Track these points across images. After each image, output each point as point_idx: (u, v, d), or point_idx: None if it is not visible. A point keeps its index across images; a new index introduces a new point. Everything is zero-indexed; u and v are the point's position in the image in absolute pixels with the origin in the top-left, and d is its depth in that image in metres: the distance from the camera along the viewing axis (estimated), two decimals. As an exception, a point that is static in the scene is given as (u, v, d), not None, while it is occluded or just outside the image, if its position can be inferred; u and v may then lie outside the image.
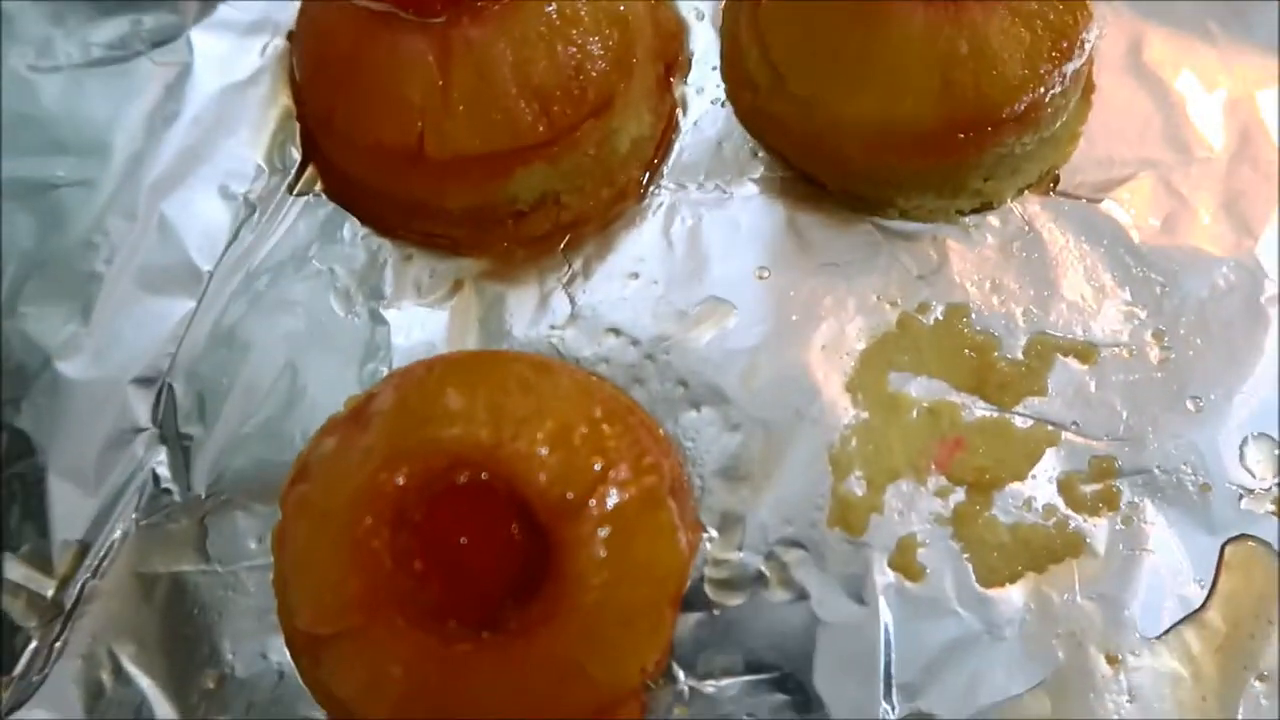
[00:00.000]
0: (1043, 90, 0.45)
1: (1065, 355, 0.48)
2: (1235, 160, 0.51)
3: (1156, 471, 0.46)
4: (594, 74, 0.45)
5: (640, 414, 0.44)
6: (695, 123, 0.51)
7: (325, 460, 0.41)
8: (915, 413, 0.47)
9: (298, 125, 0.50)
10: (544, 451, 0.39)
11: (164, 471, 0.45)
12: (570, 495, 0.39)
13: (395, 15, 0.43)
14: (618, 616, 0.39)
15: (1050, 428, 0.47)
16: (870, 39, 0.44)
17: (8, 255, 0.48)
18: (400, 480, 0.38)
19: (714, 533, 0.45)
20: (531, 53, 0.44)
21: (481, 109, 0.44)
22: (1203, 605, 0.44)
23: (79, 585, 0.44)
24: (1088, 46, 0.46)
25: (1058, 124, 0.48)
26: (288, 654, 0.43)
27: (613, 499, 0.40)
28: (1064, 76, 0.45)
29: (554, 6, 0.44)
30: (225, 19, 0.52)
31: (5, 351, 0.46)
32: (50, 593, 0.43)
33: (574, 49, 0.45)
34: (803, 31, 0.47)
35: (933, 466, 0.46)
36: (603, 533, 0.39)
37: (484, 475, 0.38)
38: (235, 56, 0.51)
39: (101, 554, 0.44)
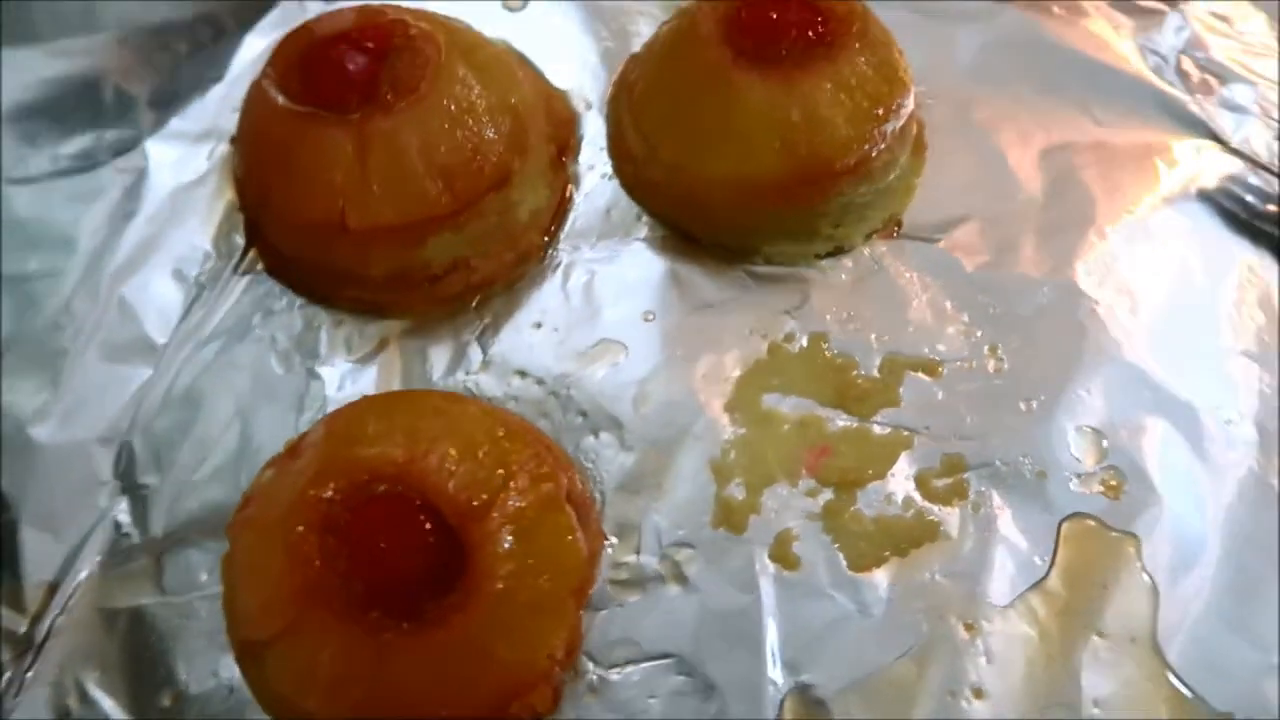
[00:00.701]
0: (868, 147, 0.54)
1: (915, 371, 0.55)
2: (1049, 201, 0.60)
3: (999, 464, 0.53)
4: (491, 154, 0.53)
5: (542, 436, 0.51)
6: (586, 194, 0.60)
7: (264, 486, 0.47)
8: (786, 426, 0.53)
9: (241, 215, 0.58)
10: (451, 465, 0.45)
11: (124, 518, 0.51)
12: (475, 501, 0.45)
13: (317, 113, 0.52)
14: (524, 605, 0.45)
15: (905, 433, 0.53)
16: (719, 110, 0.53)
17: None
18: (327, 494, 0.44)
19: (614, 540, 0.51)
20: (435, 138, 0.52)
21: (394, 186, 0.52)
22: (1045, 575, 0.50)
23: (49, 621, 0.49)
24: (904, 112, 0.55)
25: (891, 176, 0.56)
26: (236, 670, 0.47)
27: (514, 502, 0.46)
28: (885, 135, 0.54)
29: (452, 101, 0.53)
30: (177, 130, 0.60)
31: (-17, 421, 0.53)
32: (23, 629, 0.48)
33: (471, 134, 0.53)
34: (667, 108, 0.56)
35: (803, 471, 0.52)
36: (506, 531, 0.45)
37: (400, 487, 0.45)
38: (186, 161, 0.60)
39: (69, 592, 0.49)
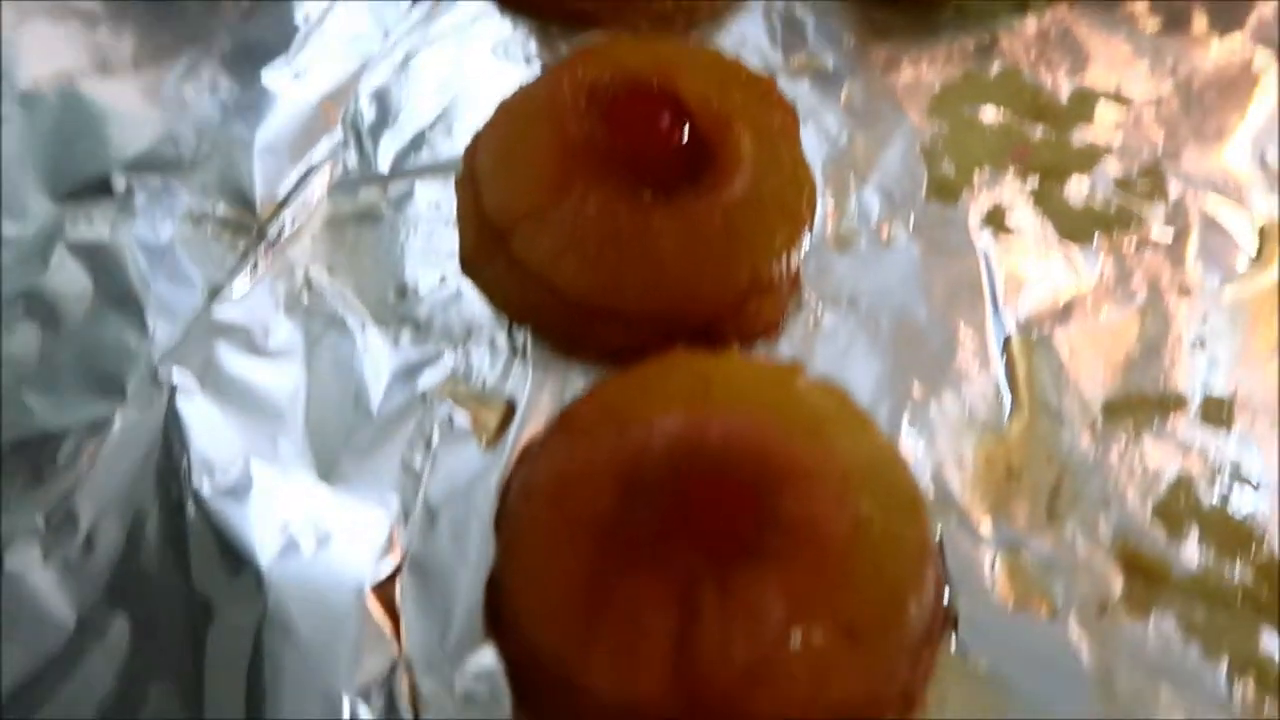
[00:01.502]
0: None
1: (1106, 99, 0.58)
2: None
3: (1196, 175, 0.55)
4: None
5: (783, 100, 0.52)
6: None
7: (526, 89, 0.49)
8: (989, 129, 0.55)
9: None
10: (708, 83, 0.48)
11: (352, 161, 0.52)
12: (725, 110, 0.47)
13: None
14: (767, 198, 0.46)
15: (1101, 145, 0.56)
16: None
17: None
18: (594, 77, 0.46)
19: (832, 203, 0.52)
20: None
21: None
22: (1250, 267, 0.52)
23: (277, 226, 0.49)
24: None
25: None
26: (464, 280, 0.48)
27: (760, 119, 0.48)
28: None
29: None
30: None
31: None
32: (254, 229, 0.49)
33: None
34: None
35: (1010, 161, 0.54)
36: (750, 136, 0.47)
37: (662, 84, 0.47)
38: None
39: (297, 207, 0.50)
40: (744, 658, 0.32)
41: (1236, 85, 0.59)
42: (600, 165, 0.44)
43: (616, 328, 0.45)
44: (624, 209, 0.44)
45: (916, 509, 0.38)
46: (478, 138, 0.50)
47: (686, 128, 0.46)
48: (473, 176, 0.48)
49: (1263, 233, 0.52)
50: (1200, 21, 0.61)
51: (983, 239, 0.51)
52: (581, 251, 0.44)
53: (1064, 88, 0.58)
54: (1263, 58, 0.60)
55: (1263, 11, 0.61)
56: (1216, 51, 0.60)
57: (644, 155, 0.45)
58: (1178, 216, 0.53)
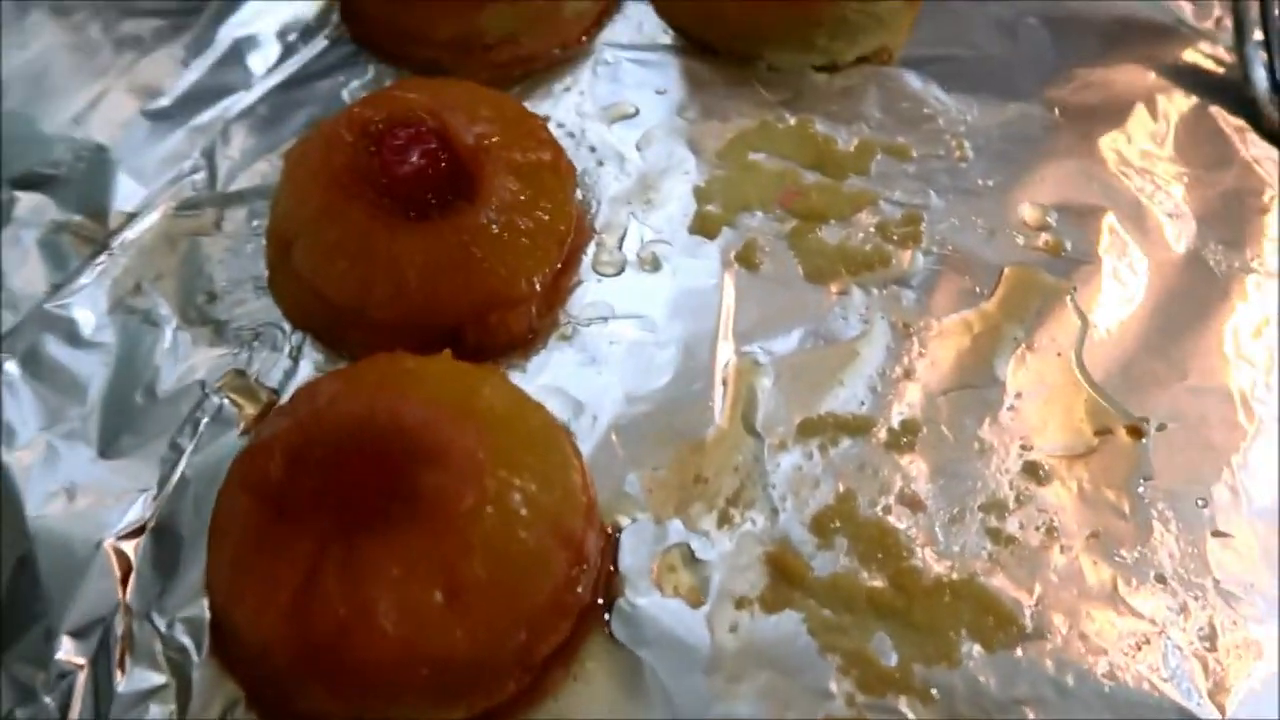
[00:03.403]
0: (864, -38, 0.64)
1: (887, 152, 0.62)
2: (1023, 45, 0.68)
3: (954, 221, 0.59)
4: (544, -48, 0.65)
5: (549, 135, 0.59)
6: (624, 14, 0.70)
7: (322, 123, 0.56)
8: (766, 173, 0.61)
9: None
10: (473, 116, 0.54)
11: (200, 178, 0.61)
12: (486, 141, 0.53)
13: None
14: (512, 228, 0.52)
15: (872, 192, 0.60)
16: (736, -78, 0.64)
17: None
18: (369, 113, 0.53)
19: (603, 236, 0.58)
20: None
21: (462, -50, 0.63)
22: (984, 301, 0.56)
23: (121, 237, 0.58)
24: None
25: (882, 3, 0.65)
26: (266, 282, 0.56)
27: (518, 153, 0.54)
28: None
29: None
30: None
31: None
32: (100, 238, 0.58)
33: (532, -73, 0.65)
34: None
35: (776, 205, 0.59)
36: (507, 169, 0.53)
37: (428, 119, 0.53)
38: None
39: (143, 221, 0.58)
40: (344, 610, 0.38)
41: (1025, 141, 0.63)
42: (361, 188, 0.51)
43: (372, 332, 0.52)
44: (378, 228, 0.51)
45: (560, 495, 0.44)
46: (286, 157, 0.57)
47: (444, 159, 0.53)
48: (275, 195, 0.56)
49: (1002, 276, 0.57)
50: (997, 83, 0.66)
51: (730, 272, 0.56)
52: (341, 264, 0.52)
53: (850, 140, 0.63)
54: (1046, 119, 0.64)
55: (1058, 88, 0.66)
56: (1011, 112, 0.64)
57: (399, 182, 0.52)
58: (925, 260, 0.57)
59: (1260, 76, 0.65)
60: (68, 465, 0.49)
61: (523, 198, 0.53)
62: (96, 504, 0.48)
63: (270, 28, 0.69)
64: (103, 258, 0.57)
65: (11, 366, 0.53)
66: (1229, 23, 0.69)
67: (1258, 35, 0.67)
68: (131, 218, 0.59)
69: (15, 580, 0.46)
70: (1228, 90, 0.66)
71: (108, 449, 0.50)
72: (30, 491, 0.48)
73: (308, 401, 0.45)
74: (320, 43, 0.68)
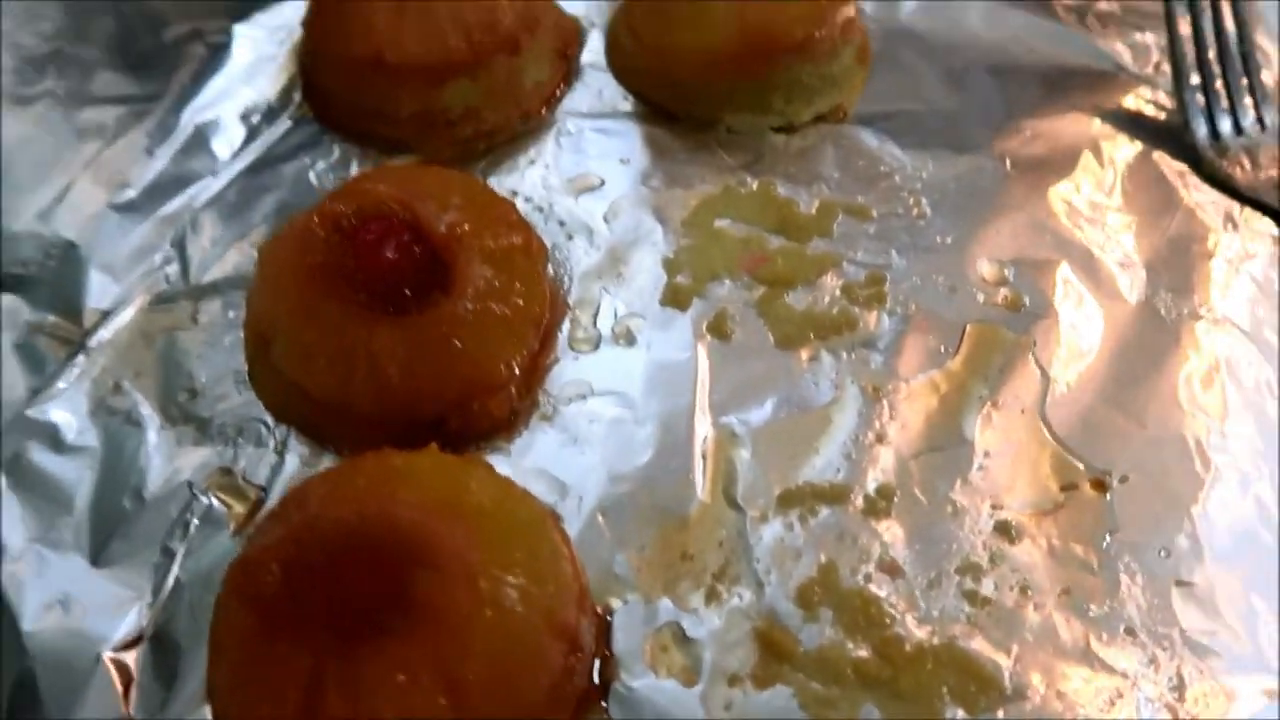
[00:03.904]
0: (811, 30, 0.65)
1: (848, 213, 0.64)
2: (974, 101, 0.70)
3: (916, 279, 0.61)
4: (504, 22, 0.66)
5: (519, 218, 0.60)
6: (584, 82, 0.71)
7: (293, 220, 0.57)
8: (732, 240, 0.63)
9: (300, 80, 0.71)
10: (444, 206, 0.55)
11: (173, 270, 0.61)
12: (459, 230, 0.55)
13: (365, -25, 0.65)
14: (488, 316, 0.54)
15: (835, 254, 0.62)
16: (691, -1, 0.66)
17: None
18: (341, 207, 0.54)
19: (576, 312, 0.59)
20: (460, 2, 0.65)
21: (424, 32, 0.64)
22: (948, 361, 0.58)
23: (98, 336, 0.58)
24: (842, 11, 0.67)
25: (834, 66, 0.67)
26: (247, 379, 0.56)
27: (491, 240, 0.55)
28: (825, 24, 0.65)
29: (476, -24, 0.66)
30: (260, 22, 0.74)
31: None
32: (76, 338, 0.58)
33: (490, 4, 0.66)
34: (651, 2, 0.68)
35: (743, 272, 0.61)
36: (481, 257, 0.55)
37: (400, 211, 0.54)
38: (262, 42, 0.73)
39: (118, 318, 0.59)
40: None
41: (979, 195, 0.65)
42: (337, 285, 0.52)
43: (355, 424, 0.53)
44: (356, 324, 0.52)
45: (553, 586, 0.45)
46: (260, 253, 0.58)
47: (418, 251, 0.54)
48: (251, 291, 0.57)
49: (964, 334, 0.59)
50: (948, 136, 0.68)
51: (703, 344, 0.58)
52: (321, 361, 0.53)
53: (811, 202, 0.65)
54: (998, 171, 0.66)
55: (1007, 138, 0.68)
56: (963, 166, 0.67)
57: (375, 277, 0.53)
58: (890, 321, 0.59)
59: (1199, 122, 0.68)
60: (60, 576, 0.50)
61: (497, 284, 0.55)
62: (92, 615, 0.48)
63: (233, 111, 0.69)
64: (80, 358, 0.57)
65: (-4, 476, 0.53)
66: (1167, 67, 0.72)
67: (1194, 78, 0.71)
68: (106, 315, 0.59)
69: (15, 698, 0.46)
70: (1169, 135, 0.69)
71: (99, 557, 0.51)
72: (25, 605, 0.49)
73: (299, 508, 0.46)
74: (284, 124, 0.69)
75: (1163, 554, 0.51)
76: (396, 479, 0.46)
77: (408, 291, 0.53)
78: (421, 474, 0.47)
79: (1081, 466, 0.54)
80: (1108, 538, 0.51)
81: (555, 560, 0.46)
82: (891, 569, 0.50)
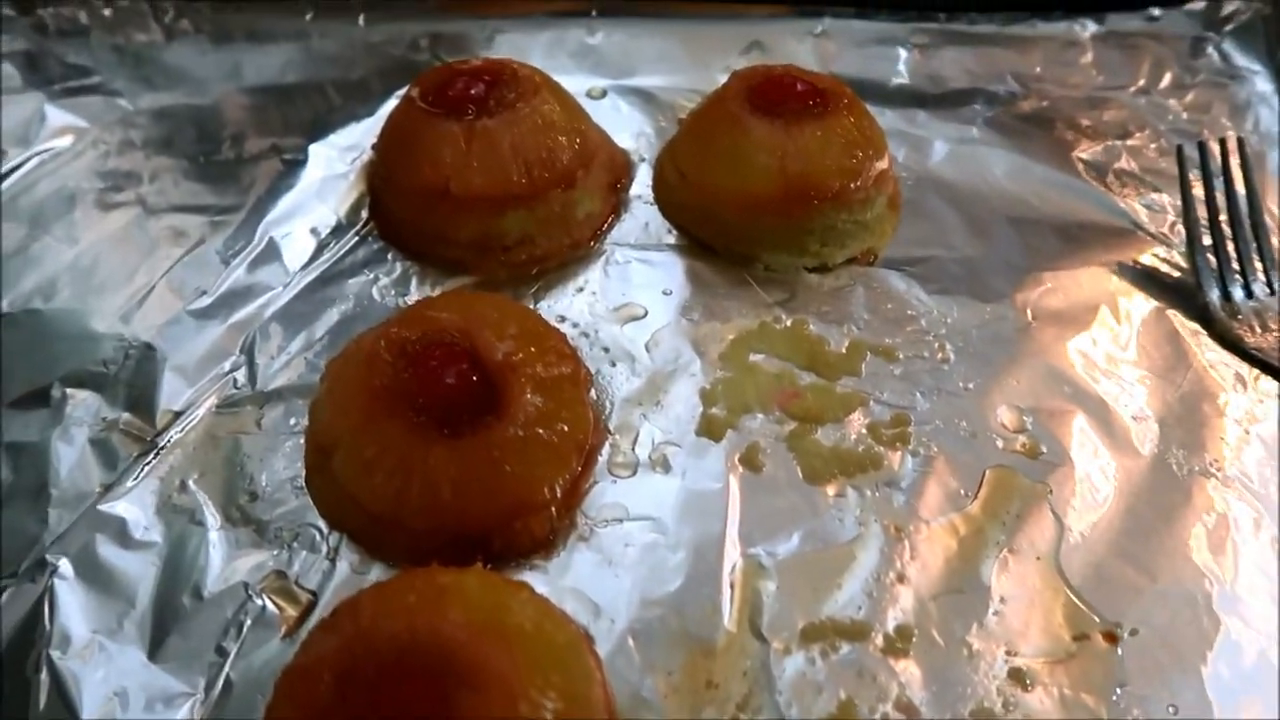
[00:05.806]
0: (847, 181, 0.70)
1: (875, 354, 0.68)
2: (999, 250, 0.75)
3: (938, 423, 0.64)
4: (561, 158, 0.71)
5: (572, 348, 0.64)
6: (631, 213, 0.76)
7: (360, 339, 0.61)
8: (766, 375, 0.66)
9: (368, 198, 0.76)
10: (499, 334, 0.59)
11: (241, 377, 0.65)
12: (512, 358, 0.58)
13: (443, 113, 0.71)
14: (535, 441, 0.57)
15: (863, 394, 0.66)
16: (734, 143, 0.71)
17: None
18: (406, 334, 0.58)
19: (616, 437, 0.63)
20: (522, 140, 0.70)
21: (488, 166, 0.69)
22: (968, 505, 0.61)
23: (169, 436, 0.62)
24: (877, 164, 0.72)
25: (868, 214, 0.72)
26: (305, 486, 0.60)
27: (541, 368, 0.59)
28: (860, 175, 0.70)
29: (539, 116, 0.71)
30: (333, 141, 0.80)
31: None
32: (149, 437, 0.62)
33: (549, 143, 0.71)
34: (698, 145, 0.74)
35: (776, 407, 0.65)
36: (530, 384, 0.58)
37: (458, 339, 0.59)
38: (334, 160, 0.79)
39: (188, 420, 0.63)
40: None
41: (1000, 343, 0.69)
42: (399, 406, 0.56)
43: (405, 537, 0.56)
44: (414, 444, 0.56)
45: (584, 710, 0.47)
46: (326, 369, 0.62)
47: (475, 378, 0.58)
48: (315, 403, 0.61)
49: (984, 479, 0.62)
50: (972, 284, 0.72)
51: (735, 475, 0.61)
52: (379, 476, 0.56)
53: (842, 341, 0.68)
54: (1020, 321, 0.70)
55: (1028, 290, 0.72)
56: (986, 314, 0.70)
57: (434, 400, 0.57)
58: (913, 462, 0.62)
59: (1211, 285, 0.72)
60: (119, 669, 0.53)
61: (546, 410, 0.58)
62: (147, 710, 0.51)
63: (304, 225, 0.75)
64: (151, 457, 0.61)
65: (65, 567, 0.56)
66: (1182, 229, 0.76)
67: (1207, 240, 0.75)
68: (178, 415, 0.63)
69: (72, 791, 0.49)
70: (1183, 294, 0.73)
71: (156, 652, 0.53)
72: (85, 697, 0.51)
73: (352, 620, 0.49)
74: (350, 239, 0.74)
75: (1171, 710, 0.53)
76: (445, 597, 0.49)
77: (464, 415, 0.57)
78: (469, 593, 0.50)
79: (1094, 617, 0.56)
80: (1118, 690, 0.53)
81: (588, 684, 0.49)
82: (908, 710, 0.52)
